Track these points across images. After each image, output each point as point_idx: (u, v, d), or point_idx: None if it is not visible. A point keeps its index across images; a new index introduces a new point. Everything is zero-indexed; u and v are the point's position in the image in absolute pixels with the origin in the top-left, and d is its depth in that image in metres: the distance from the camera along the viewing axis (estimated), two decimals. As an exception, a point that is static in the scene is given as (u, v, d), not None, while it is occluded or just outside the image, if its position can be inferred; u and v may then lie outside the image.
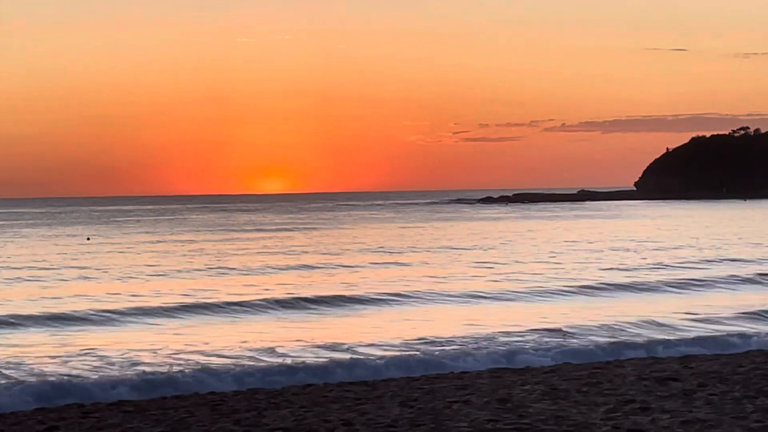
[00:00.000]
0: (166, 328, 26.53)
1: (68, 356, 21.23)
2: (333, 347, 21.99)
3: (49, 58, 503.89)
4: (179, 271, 45.22)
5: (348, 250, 60.30)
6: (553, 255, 53.01)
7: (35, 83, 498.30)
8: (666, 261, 47.01)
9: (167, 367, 19.09)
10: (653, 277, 39.40)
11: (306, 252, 58.94)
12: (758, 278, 38.42)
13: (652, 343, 21.95)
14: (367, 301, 32.27)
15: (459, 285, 36.59)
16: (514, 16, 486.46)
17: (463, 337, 23.17)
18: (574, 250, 57.13)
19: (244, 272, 44.37)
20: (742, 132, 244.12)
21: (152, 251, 61.47)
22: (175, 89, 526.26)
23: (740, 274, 39.53)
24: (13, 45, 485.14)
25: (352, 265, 47.84)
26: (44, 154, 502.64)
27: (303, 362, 19.66)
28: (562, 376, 17.00)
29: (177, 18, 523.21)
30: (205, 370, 18.47)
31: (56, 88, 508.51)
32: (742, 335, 22.94)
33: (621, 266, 44.52)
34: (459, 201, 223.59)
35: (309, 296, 32.97)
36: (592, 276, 40.00)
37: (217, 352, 21.38)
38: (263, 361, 20.11)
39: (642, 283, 36.87)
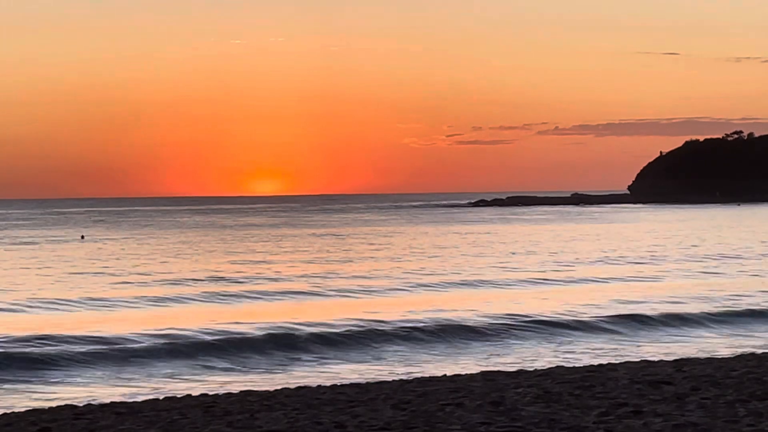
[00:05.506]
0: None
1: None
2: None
3: (49, 58, 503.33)
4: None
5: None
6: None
7: (35, 83, 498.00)
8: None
9: None
10: None
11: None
12: None
13: None
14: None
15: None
16: (508, 19, 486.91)
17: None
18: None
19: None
20: (736, 136, 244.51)
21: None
22: (173, 90, 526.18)
23: None
24: (13, 45, 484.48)
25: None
26: (43, 155, 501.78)
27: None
28: (555, 380, 17.00)
29: (175, 19, 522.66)
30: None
31: (55, 89, 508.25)
32: None
33: None
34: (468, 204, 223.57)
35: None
36: None
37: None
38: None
39: None
